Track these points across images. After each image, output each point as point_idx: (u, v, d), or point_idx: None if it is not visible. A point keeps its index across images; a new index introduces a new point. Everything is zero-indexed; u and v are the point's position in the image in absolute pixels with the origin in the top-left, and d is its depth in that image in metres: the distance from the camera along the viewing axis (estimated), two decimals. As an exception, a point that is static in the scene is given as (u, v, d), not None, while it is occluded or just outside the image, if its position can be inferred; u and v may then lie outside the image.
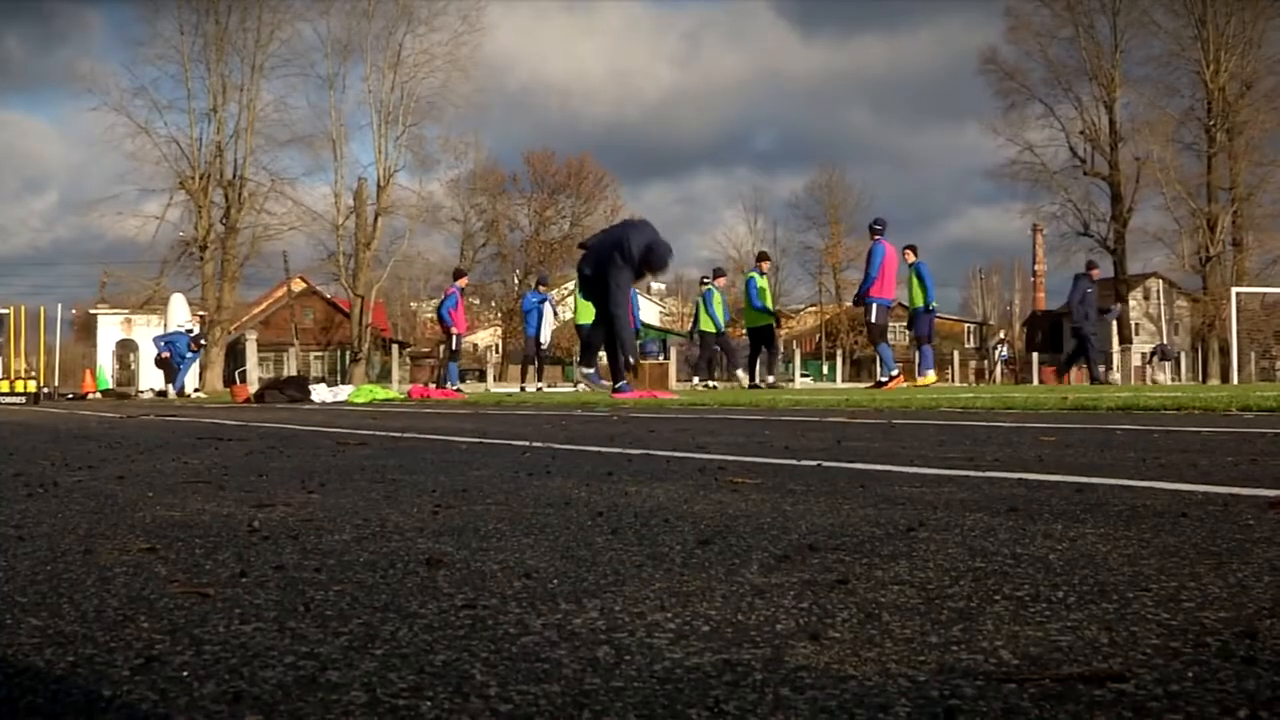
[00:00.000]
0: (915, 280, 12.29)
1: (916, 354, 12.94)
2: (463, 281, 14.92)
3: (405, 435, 3.78)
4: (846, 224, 47.58)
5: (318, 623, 0.86)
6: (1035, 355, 28.80)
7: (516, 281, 44.87)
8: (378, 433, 3.99)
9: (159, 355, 17.18)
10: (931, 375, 12.77)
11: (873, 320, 11.56)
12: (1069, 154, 37.58)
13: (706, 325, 13.99)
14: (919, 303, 12.29)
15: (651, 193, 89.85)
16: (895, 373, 11.71)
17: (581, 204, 46.25)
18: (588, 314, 13.41)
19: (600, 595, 0.95)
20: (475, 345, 56.57)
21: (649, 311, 67.72)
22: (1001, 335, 40.04)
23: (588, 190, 46.22)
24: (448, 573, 1.06)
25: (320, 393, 10.67)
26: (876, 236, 11.64)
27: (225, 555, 1.18)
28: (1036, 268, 59.80)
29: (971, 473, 2.02)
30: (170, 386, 16.88)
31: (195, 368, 18.45)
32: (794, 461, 2.35)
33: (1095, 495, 1.63)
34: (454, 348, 14.42)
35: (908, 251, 12.49)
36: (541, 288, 15.48)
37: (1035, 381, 23.06)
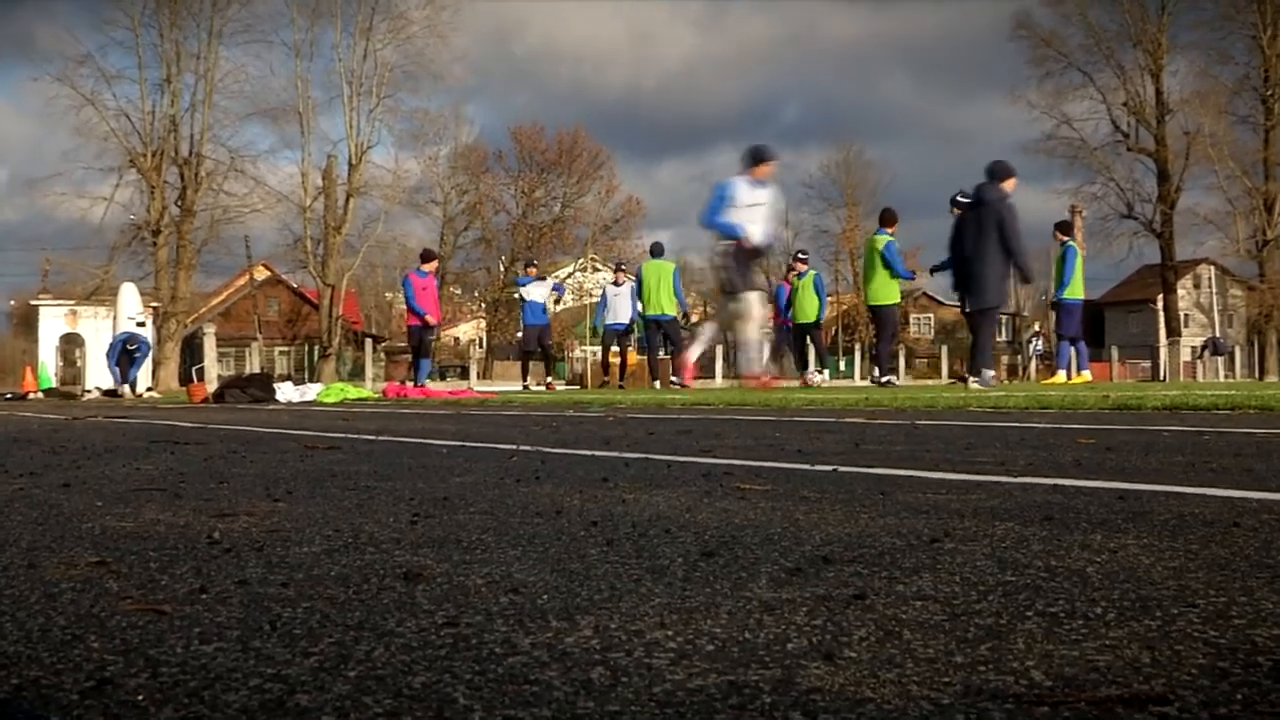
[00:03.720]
0: (1058, 266, 11.98)
1: (1071, 351, 12.40)
2: (430, 266, 13.99)
3: (380, 438, 3.78)
4: (866, 205, 47.61)
5: (285, 642, 0.86)
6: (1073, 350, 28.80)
7: (502, 269, 44.87)
8: (349, 435, 4.00)
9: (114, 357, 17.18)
10: (1061, 376, 12.38)
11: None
12: (1110, 128, 37.64)
13: (809, 313, 13.68)
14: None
15: (664, 170, 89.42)
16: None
17: (574, 184, 46.25)
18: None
19: (594, 612, 0.96)
20: (457, 339, 56.61)
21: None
22: (1036, 328, 40.09)
23: (581, 168, 46.21)
24: (427, 588, 1.07)
25: (286, 392, 10.67)
26: (958, 211, 10.60)
27: (183, 569, 1.19)
28: (1075, 253, 59.89)
29: (1002, 478, 2.03)
30: (124, 386, 16.88)
31: (148, 364, 18.42)
32: (807, 466, 2.35)
33: (1138, 503, 1.64)
34: (419, 340, 13.85)
35: (1056, 232, 12.15)
36: (531, 270, 15.28)
37: (1070, 379, 23.08)
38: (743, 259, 8.66)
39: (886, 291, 11.44)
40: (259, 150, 50.85)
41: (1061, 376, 12.25)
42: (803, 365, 14.25)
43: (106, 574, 1.17)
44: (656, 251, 14.21)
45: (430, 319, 13.56)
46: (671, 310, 13.80)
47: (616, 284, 14.72)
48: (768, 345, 10.75)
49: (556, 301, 15.21)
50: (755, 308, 8.70)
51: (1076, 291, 11.99)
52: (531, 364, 15.74)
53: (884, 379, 11.63)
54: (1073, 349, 12.35)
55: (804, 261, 14.34)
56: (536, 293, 14.69)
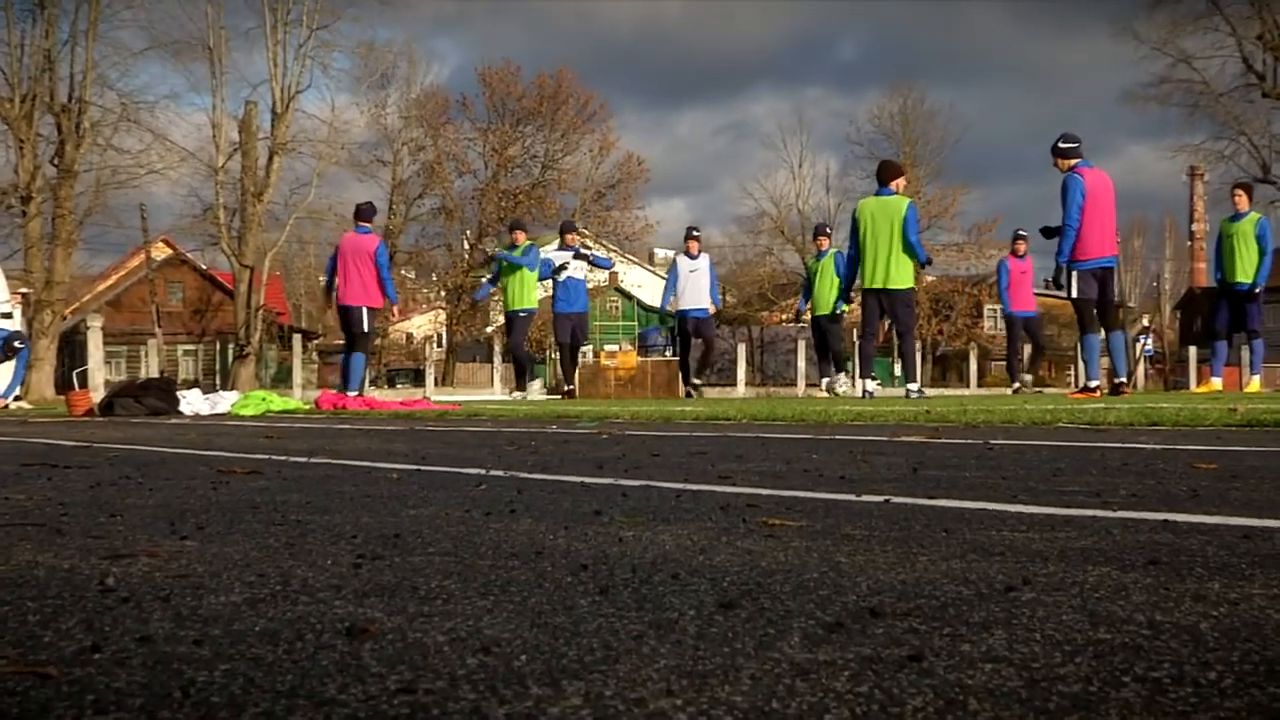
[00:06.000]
0: (1251, 240, 11.82)
1: (1247, 349, 12.44)
2: (371, 225, 12.94)
3: (313, 460, 3.80)
4: (928, 166, 47.70)
5: (200, 712, 0.88)
6: (1193, 350, 28.85)
7: (466, 247, 44.93)
8: (275, 457, 4.02)
9: None
10: (1257, 381, 12.17)
11: (1073, 294, 10.31)
12: (1241, 68, 37.52)
13: (829, 302, 13.75)
14: (1243, 276, 11.79)
15: (685, 120, 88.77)
16: (1095, 383, 10.68)
17: (558, 139, 46.26)
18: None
19: (585, 676, 0.97)
20: (409, 336, 56.69)
21: (652, 289, 67.73)
22: (1146, 322, 40.15)
23: (566, 120, 46.21)
24: (376, 646, 1.09)
25: (193, 402, 10.70)
26: (1071, 162, 10.23)
27: (70, 623, 1.21)
28: (1195, 227, 59.72)
29: (1098, 512, 2.04)
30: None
31: (17, 368, 18.45)
32: (852, 496, 2.37)
33: (1269, 543, 1.66)
34: (359, 330, 12.67)
35: (1238, 194, 12.05)
36: (570, 237, 14.55)
37: (1193, 385, 23.12)
38: None
39: (904, 272, 11.06)
40: (158, 96, 50.79)
41: (1257, 382, 12.16)
42: (838, 366, 14.30)
43: (-25, 629, 1.19)
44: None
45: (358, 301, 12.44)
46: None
47: (691, 255, 14.26)
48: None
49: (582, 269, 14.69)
50: None
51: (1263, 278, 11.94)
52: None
53: (916, 389, 11.29)
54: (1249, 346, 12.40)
55: (827, 237, 14.35)
56: (573, 267, 14.12)
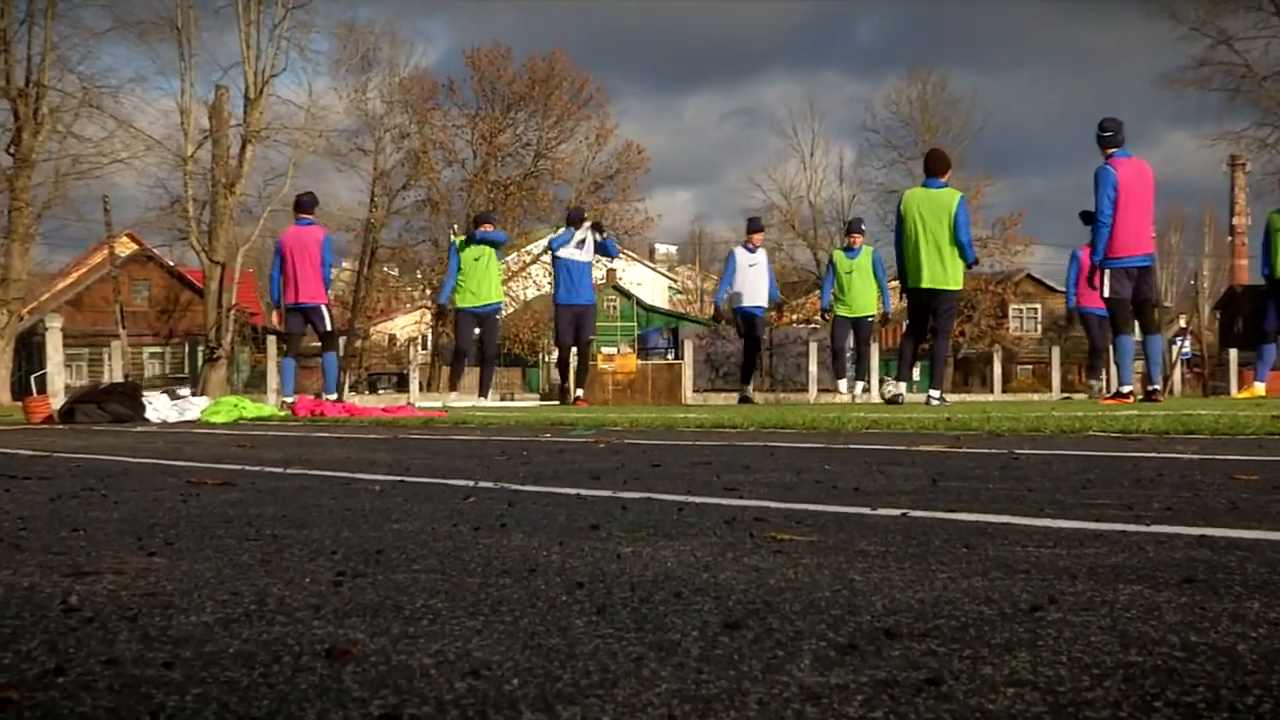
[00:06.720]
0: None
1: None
2: (312, 217, 12.71)
3: (289, 471, 3.81)
4: (949, 155, 47.57)
5: (171, 739, 0.89)
6: (1234, 353, 28.86)
7: (454, 241, 44.87)
8: (248, 467, 4.02)
9: None
10: (1260, 387, 12.36)
11: (1105, 294, 10.41)
12: (1286, 49, 37.47)
13: (866, 305, 13.73)
14: None
15: (693, 105, 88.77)
16: (1128, 388, 10.73)
17: (551, 126, 46.25)
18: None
19: (581, 701, 0.98)
20: (392, 338, 56.69)
21: (652, 288, 67.77)
22: (1183, 323, 40.09)
23: (560, 105, 46.21)
24: (358, 669, 1.09)
25: (160, 408, 10.70)
26: (1109, 151, 10.25)
27: (32, 644, 1.21)
28: (1235, 221, 59.61)
29: (1129, 527, 2.05)
30: None
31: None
32: (867, 510, 2.38)
33: (1311, 559, 1.66)
34: (324, 330, 12.79)
35: None
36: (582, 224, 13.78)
37: (1234, 391, 23.12)
38: None
39: (958, 271, 10.95)
40: (122, 80, 50.70)
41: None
42: (859, 374, 14.30)
43: (-70, 650, 1.20)
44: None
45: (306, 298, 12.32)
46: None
47: (750, 247, 14.05)
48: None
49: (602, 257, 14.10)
50: None
51: None
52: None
53: (938, 396, 11.29)
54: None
55: (860, 233, 14.31)
56: (576, 252, 13.54)
